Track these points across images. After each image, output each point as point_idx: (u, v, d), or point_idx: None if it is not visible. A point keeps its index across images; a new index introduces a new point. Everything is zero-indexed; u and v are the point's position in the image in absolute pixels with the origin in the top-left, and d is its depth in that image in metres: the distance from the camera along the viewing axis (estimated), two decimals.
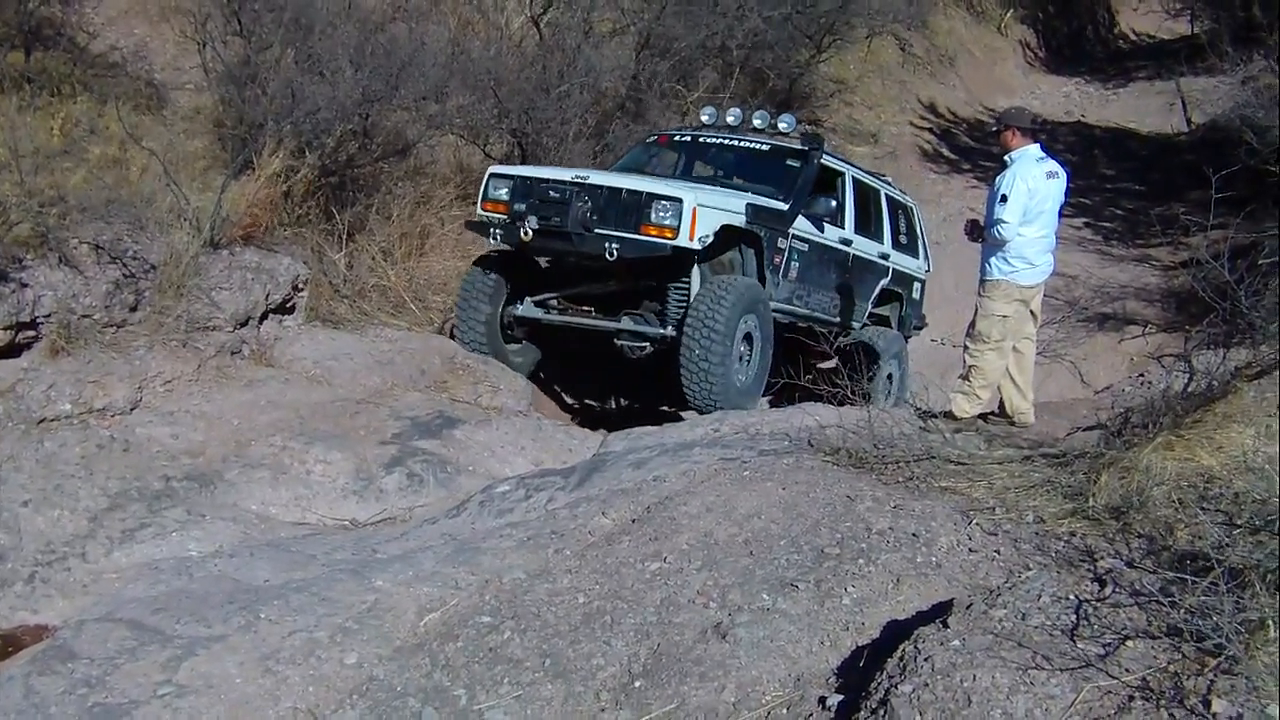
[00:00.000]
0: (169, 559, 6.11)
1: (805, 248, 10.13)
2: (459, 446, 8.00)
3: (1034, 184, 7.95)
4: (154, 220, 8.54)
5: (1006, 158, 8.17)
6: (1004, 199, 7.98)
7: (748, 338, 9.18)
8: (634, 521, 5.99)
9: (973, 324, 8.31)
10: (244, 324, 8.78)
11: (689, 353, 8.74)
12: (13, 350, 7.48)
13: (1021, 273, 8.06)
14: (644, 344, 9.39)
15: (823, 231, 10.38)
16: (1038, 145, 8.19)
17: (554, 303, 9.92)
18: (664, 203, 8.69)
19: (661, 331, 9.27)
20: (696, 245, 8.72)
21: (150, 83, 10.81)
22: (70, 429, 7.15)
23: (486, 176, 9.66)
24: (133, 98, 10.21)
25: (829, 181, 10.65)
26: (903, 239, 12.19)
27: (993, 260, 8.13)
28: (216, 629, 5.07)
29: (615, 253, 8.73)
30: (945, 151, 21.68)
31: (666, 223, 8.66)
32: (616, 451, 7.66)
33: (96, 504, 6.51)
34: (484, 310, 9.75)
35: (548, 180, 9.27)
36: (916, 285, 12.53)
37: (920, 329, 12.78)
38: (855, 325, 11.24)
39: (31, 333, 7.56)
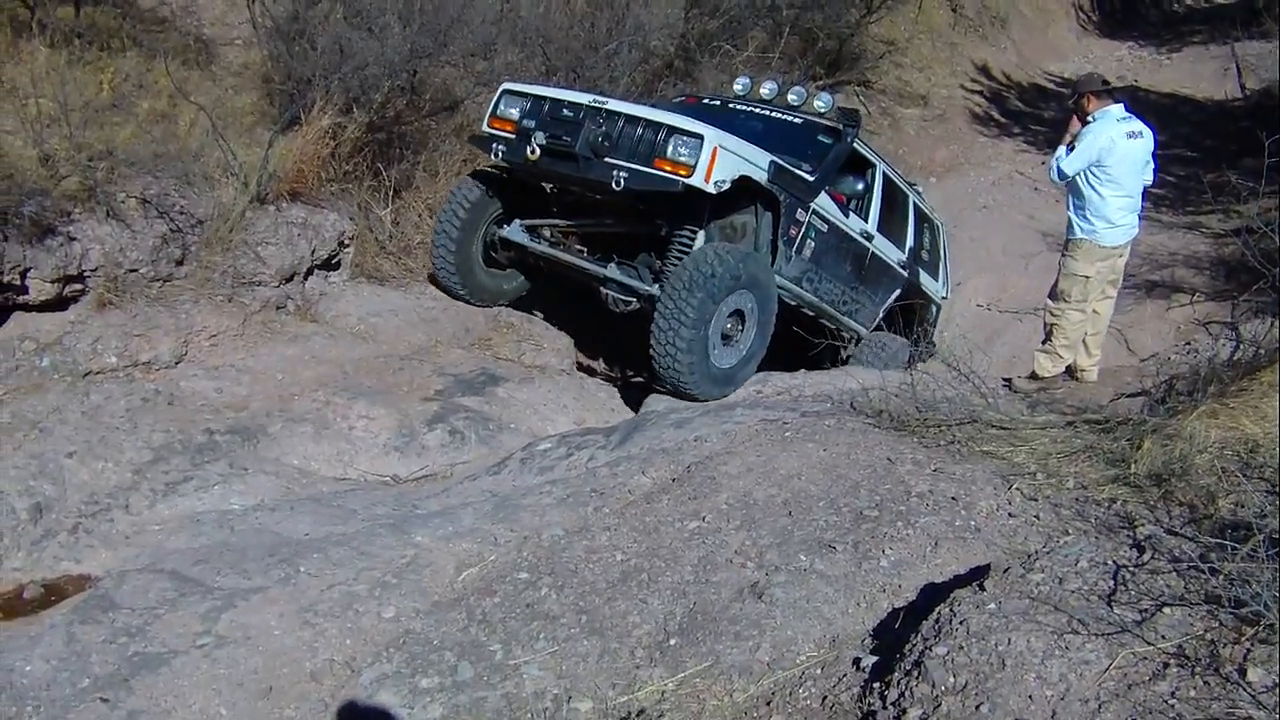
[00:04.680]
0: (211, 511, 6.18)
1: (824, 228, 9.38)
2: (501, 404, 8.03)
3: (1107, 142, 7.89)
4: (201, 175, 8.59)
5: (1089, 119, 8.13)
6: (1071, 147, 7.98)
7: (739, 315, 8.36)
8: (674, 480, 6.01)
9: (1055, 283, 8.33)
10: (289, 279, 8.83)
11: (660, 321, 8.00)
12: (60, 303, 7.55)
13: (1102, 233, 8.05)
14: (630, 299, 8.74)
15: (846, 218, 9.71)
16: (1120, 105, 8.13)
17: (546, 232, 9.50)
18: (684, 137, 7.97)
19: (648, 288, 8.55)
20: (711, 189, 7.92)
21: (199, 38, 10.81)
22: (115, 382, 7.22)
23: (499, 92, 9.12)
24: (181, 53, 10.21)
25: (859, 169, 10.08)
26: (925, 255, 11.45)
27: (1075, 220, 8.15)
28: (256, 581, 5.13)
29: (622, 183, 8.02)
30: (996, 115, 21.47)
31: (683, 159, 7.91)
32: (658, 411, 7.67)
33: (140, 456, 6.56)
34: (460, 224, 9.34)
35: (563, 100, 8.73)
36: (932, 308, 11.76)
37: (929, 357, 11.99)
38: (861, 331, 10.45)
39: (79, 286, 7.62)
